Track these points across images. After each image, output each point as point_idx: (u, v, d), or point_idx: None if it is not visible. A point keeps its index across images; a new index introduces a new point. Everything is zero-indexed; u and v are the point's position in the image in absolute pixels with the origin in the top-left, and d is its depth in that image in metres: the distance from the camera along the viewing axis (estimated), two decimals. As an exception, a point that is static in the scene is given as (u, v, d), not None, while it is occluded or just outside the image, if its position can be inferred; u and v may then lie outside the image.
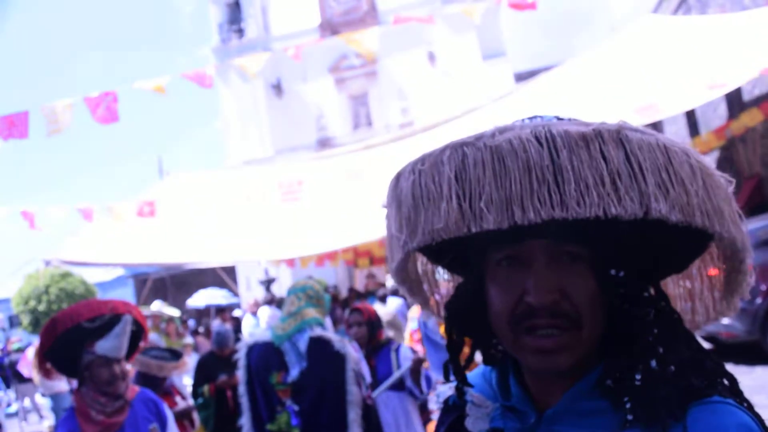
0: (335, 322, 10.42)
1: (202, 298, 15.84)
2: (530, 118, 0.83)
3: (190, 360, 6.49)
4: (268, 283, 12.32)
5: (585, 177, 0.68)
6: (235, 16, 25.85)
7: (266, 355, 3.24)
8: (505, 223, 0.69)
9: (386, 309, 8.90)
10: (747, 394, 0.81)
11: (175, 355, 4.51)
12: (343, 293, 15.52)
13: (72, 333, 2.64)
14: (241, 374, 3.29)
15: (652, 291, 0.85)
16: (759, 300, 6.66)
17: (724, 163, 14.44)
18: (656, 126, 15.82)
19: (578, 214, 0.67)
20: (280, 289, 16.37)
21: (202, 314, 16.44)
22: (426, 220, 0.75)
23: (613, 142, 0.70)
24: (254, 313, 10.81)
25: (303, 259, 13.51)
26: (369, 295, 11.73)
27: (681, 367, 0.77)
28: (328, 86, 23.70)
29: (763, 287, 6.64)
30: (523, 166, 0.69)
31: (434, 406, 1.08)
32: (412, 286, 1.01)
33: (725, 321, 6.85)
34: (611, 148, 0.70)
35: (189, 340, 9.81)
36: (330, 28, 24.58)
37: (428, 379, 4.06)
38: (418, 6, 24.37)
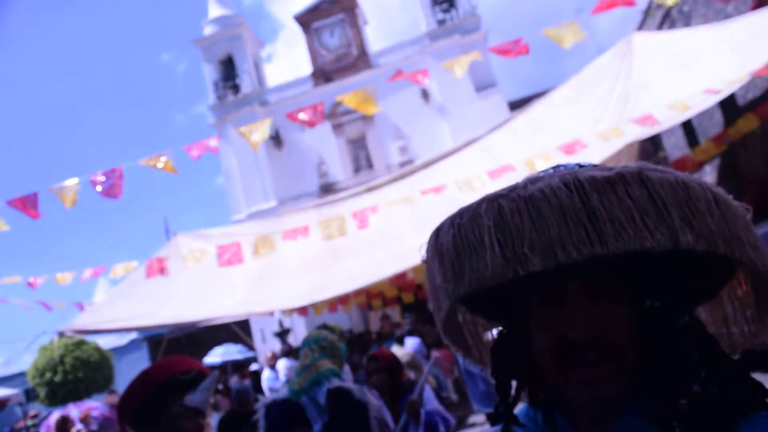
0: (354, 369, 10.31)
1: (218, 355, 15.71)
2: (553, 168, 0.89)
3: (212, 420, 6.42)
4: (282, 334, 12.23)
5: (618, 216, 0.73)
6: (228, 72, 26.29)
7: (287, 413, 3.18)
8: (551, 264, 0.74)
9: (404, 350, 8.83)
10: None
11: (198, 414, 4.44)
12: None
13: (166, 385, 2.62)
14: None
15: (686, 318, 0.89)
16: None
17: (726, 170, 14.41)
18: (655, 140, 15.86)
19: (618, 249, 0.72)
20: (295, 340, 16.24)
21: (219, 371, 16.29)
22: (471, 269, 0.79)
23: (636, 183, 0.76)
24: (272, 367, 10.72)
25: (316, 306, 13.44)
26: (387, 337, 11.63)
27: (724, 388, 0.81)
28: (326, 133, 23.94)
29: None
30: (558, 211, 0.75)
31: None
32: (455, 336, 1.06)
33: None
34: (635, 189, 0.75)
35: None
36: (323, 75, 24.94)
37: (446, 421, 3.95)
38: (407, 46, 24.76)
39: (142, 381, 2.63)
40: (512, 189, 0.80)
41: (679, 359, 0.84)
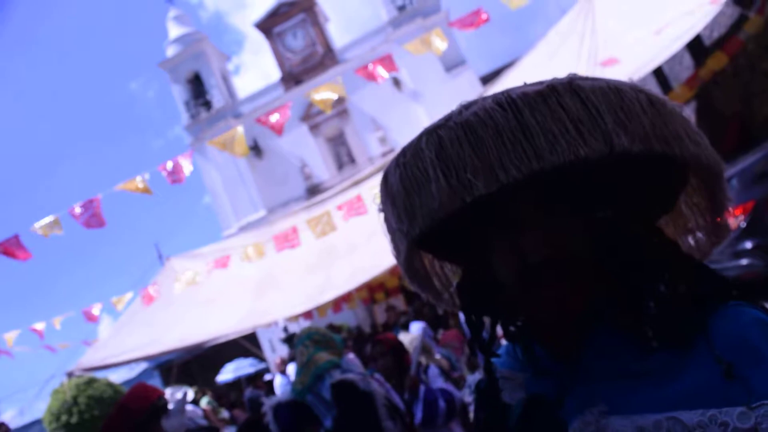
0: (366, 364, 10.32)
1: (230, 371, 15.70)
2: None
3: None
4: (289, 339, 12.23)
5: (551, 128, 0.74)
6: (198, 90, 26.14)
7: (295, 413, 3.17)
8: (494, 186, 0.74)
9: (411, 335, 8.82)
10: None
11: (211, 430, 4.45)
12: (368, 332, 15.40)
13: (148, 416, 2.58)
14: None
15: (641, 226, 0.89)
16: (773, 232, 6.60)
17: (703, 110, 14.47)
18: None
19: (553, 162, 0.72)
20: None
21: (233, 387, 16.27)
22: (422, 204, 0.79)
23: (568, 94, 0.76)
24: (283, 372, 10.71)
25: (320, 308, 13.43)
26: (393, 326, 11.63)
27: (690, 286, 0.82)
28: (303, 135, 23.88)
29: (773, 219, 6.58)
30: (494, 132, 0.75)
31: (468, 398, 1.08)
32: (423, 283, 1.05)
33: (744, 262, 6.78)
34: (568, 99, 0.75)
35: (224, 414, 9.70)
36: (292, 78, 24.84)
37: (447, 395, 3.93)
38: (372, 36, 24.68)
39: (122, 417, 2.56)
40: (449, 118, 0.80)
41: (641, 265, 0.84)
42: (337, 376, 3.16)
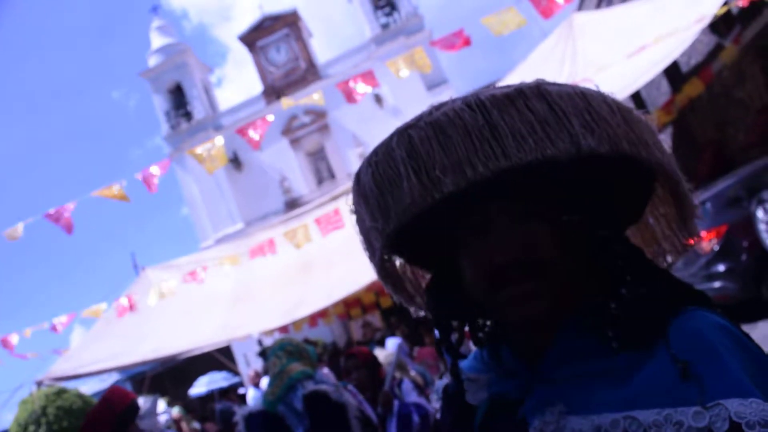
0: (339, 377, 10.27)
1: (203, 384, 15.51)
2: None
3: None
4: (264, 353, 12.15)
5: (519, 129, 0.75)
6: (179, 101, 26.06)
7: (266, 424, 3.14)
8: (462, 182, 0.75)
9: (387, 351, 8.81)
10: None
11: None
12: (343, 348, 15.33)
13: (127, 412, 2.57)
14: None
15: (607, 231, 0.90)
16: (744, 257, 6.71)
17: (680, 136, 14.72)
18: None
19: (521, 160, 0.74)
20: (279, 358, 16.08)
21: (206, 401, 16.10)
22: (394, 202, 0.81)
23: (536, 97, 0.78)
24: (256, 385, 10.63)
25: (296, 323, 13.36)
26: (368, 342, 11.61)
27: (652, 290, 0.84)
28: (284, 149, 23.88)
29: (745, 243, 6.70)
30: (463, 131, 0.77)
31: (436, 403, 1.10)
32: (396, 284, 1.06)
33: (717, 284, 6.88)
34: (535, 102, 0.77)
35: (195, 425, 9.60)
36: (274, 92, 24.86)
37: (421, 411, 3.93)
38: (355, 53, 24.82)
39: (106, 411, 2.57)
40: (419, 118, 0.82)
41: (605, 269, 0.86)
42: (310, 386, 3.15)
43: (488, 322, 1.02)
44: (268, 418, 3.13)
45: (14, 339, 9.09)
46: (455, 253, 0.93)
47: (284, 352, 3.31)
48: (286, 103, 6.72)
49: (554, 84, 0.81)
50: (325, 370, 9.10)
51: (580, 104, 0.78)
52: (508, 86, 0.80)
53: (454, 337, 1.00)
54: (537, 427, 0.85)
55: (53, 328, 9.32)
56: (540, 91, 0.79)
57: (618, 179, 0.88)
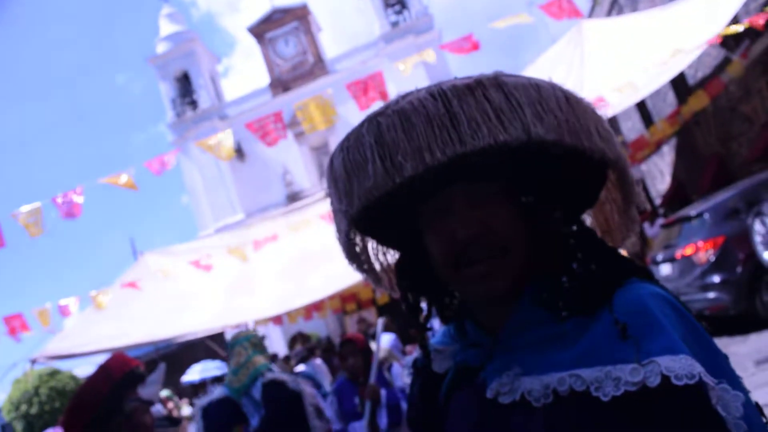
0: (333, 372, 10.29)
1: (197, 372, 15.56)
2: None
3: (191, 430, 6.39)
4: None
5: (474, 117, 0.81)
6: (185, 89, 26.09)
7: (223, 411, 3.29)
8: (420, 167, 0.81)
9: (381, 346, 8.83)
10: (744, 361, 0.89)
11: (174, 422, 4.44)
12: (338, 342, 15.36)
13: (125, 379, 2.57)
14: None
15: (560, 213, 0.97)
16: (739, 269, 6.75)
17: (684, 147, 14.74)
18: (612, 121, 16.15)
19: (474, 146, 0.80)
20: (271, 348, 16.11)
21: (198, 388, 16.14)
22: (359, 184, 0.87)
23: (493, 87, 0.84)
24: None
25: (290, 314, 13.40)
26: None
27: (601, 265, 0.92)
28: (288, 142, 23.86)
29: (741, 256, 6.74)
30: (425, 119, 0.82)
31: (407, 378, 1.16)
32: (363, 264, 1.12)
33: (711, 295, 6.92)
34: (492, 92, 0.84)
35: (188, 410, 9.64)
36: (281, 85, 24.89)
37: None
38: (363, 50, 24.84)
39: (103, 377, 2.56)
40: (387, 106, 0.88)
41: (559, 247, 0.94)
42: (269, 376, 3.30)
43: (454, 301, 1.10)
44: (227, 405, 3.28)
45: (16, 317, 9.13)
46: (422, 233, 1.00)
47: (249, 344, 3.47)
48: (297, 106, 6.74)
49: (511, 75, 0.87)
50: (318, 361, 9.13)
51: (533, 95, 0.84)
52: (469, 77, 0.86)
53: (423, 312, 1.08)
54: (494, 388, 0.93)
55: (62, 311, 9.37)
56: (498, 81, 0.85)
57: (574, 165, 0.93)
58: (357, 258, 1.10)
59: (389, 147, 0.83)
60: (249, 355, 3.41)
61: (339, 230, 0.99)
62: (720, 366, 0.82)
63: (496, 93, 0.83)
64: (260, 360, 3.40)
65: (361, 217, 0.93)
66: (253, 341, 3.50)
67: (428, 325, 1.09)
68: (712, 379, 0.78)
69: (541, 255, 0.95)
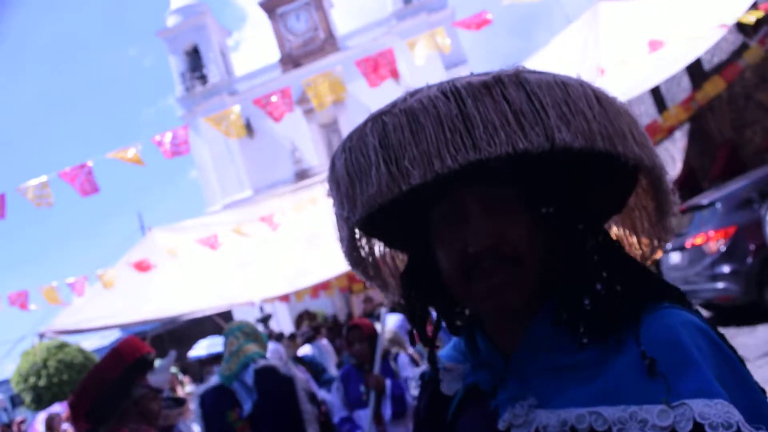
0: (338, 352, 10.34)
1: (203, 348, 15.68)
2: None
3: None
4: (265, 319, 12.25)
5: (492, 120, 0.73)
6: (195, 63, 25.98)
7: (218, 397, 3.39)
8: (428, 175, 0.73)
9: (387, 327, 8.84)
10: (752, 353, 0.82)
11: (178, 402, 4.47)
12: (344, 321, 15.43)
13: (135, 365, 2.59)
14: (198, 424, 3.46)
15: (585, 225, 0.87)
16: (750, 260, 6.69)
17: (696, 135, 14.59)
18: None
19: (490, 153, 0.72)
20: (278, 325, 16.18)
21: (204, 364, 16.28)
22: (362, 190, 0.79)
23: (514, 85, 0.75)
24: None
25: (297, 293, 13.43)
26: (369, 316, 11.66)
27: (627, 286, 0.82)
28: (297, 119, 23.78)
29: (752, 246, 6.67)
30: (436, 120, 0.74)
31: (414, 390, 1.10)
32: (368, 269, 1.04)
33: (720, 285, 6.88)
34: (512, 91, 0.74)
35: (192, 388, 9.71)
36: (291, 61, 24.75)
37: None
38: (375, 27, 24.63)
39: (114, 360, 2.58)
40: (394, 104, 0.80)
41: (582, 263, 0.83)
42: (262, 363, 3.38)
43: (466, 311, 0.99)
44: (221, 391, 3.38)
45: (22, 292, 9.20)
46: (432, 240, 0.91)
47: (242, 333, 3.56)
48: (306, 82, 6.67)
49: (534, 72, 0.78)
50: (324, 341, 9.16)
51: (559, 94, 0.75)
52: (487, 73, 0.78)
53: (427, 325, 0.99)
54: (506, 419, 0.85)
55: (73, 287, 9.44)
56: (519, 79, 0.76)
57: (601, 168, 0.85)
58: (362, 263, 1.02)
59: (395, 150, 0.75)
60: (240, 343, 3.49)
61: (341, 239, 0.91)
62: (758, 407, 0.72)
63: (517, 92, 0.74)
64: (251, 348, 3.48)
65: (365, 222, 0.87)
66: (246, 330, 3.59)
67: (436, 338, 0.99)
68: (751, 429, 0.68)
69: (559, 268, 0.86)
